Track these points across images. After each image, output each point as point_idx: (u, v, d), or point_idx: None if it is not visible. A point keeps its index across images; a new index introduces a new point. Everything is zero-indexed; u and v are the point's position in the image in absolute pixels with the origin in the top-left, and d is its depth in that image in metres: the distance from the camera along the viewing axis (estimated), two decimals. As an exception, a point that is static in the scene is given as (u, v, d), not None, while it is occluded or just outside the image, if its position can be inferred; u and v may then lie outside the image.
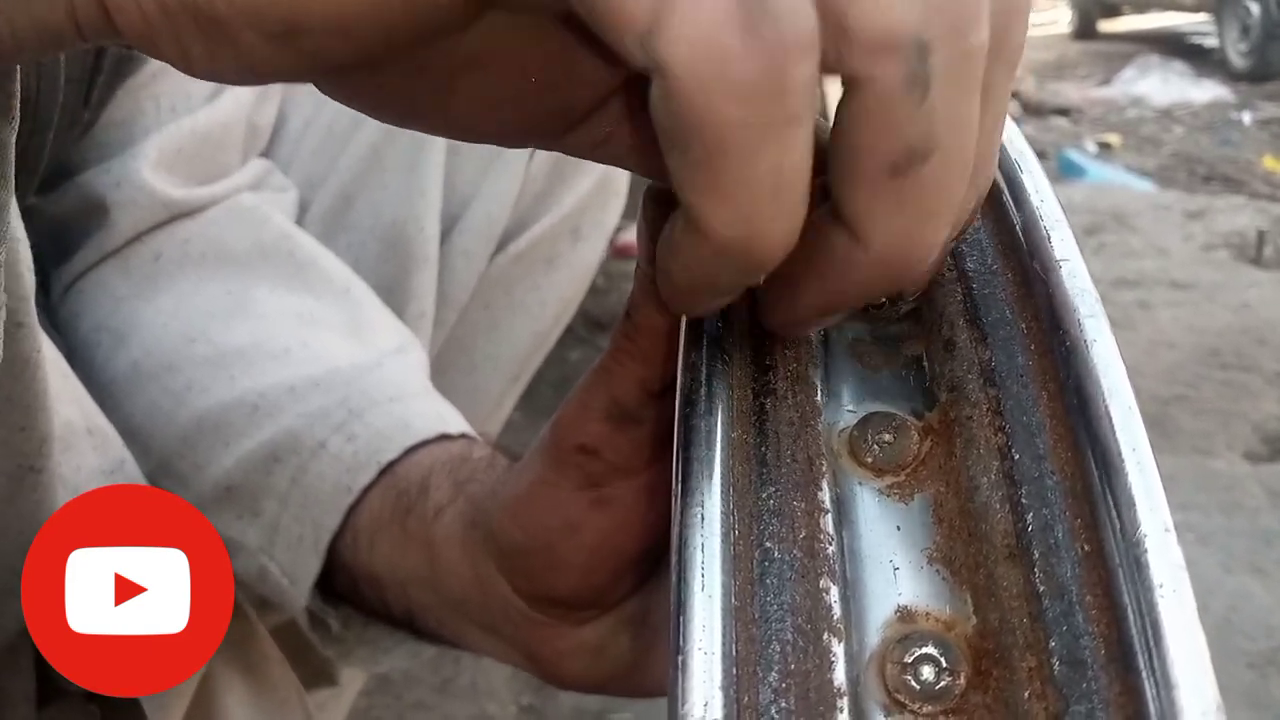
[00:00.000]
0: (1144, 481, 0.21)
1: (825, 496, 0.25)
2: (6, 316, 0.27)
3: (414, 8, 0.21)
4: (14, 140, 0.27)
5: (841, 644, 0.23)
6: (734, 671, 0.21)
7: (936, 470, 0.26)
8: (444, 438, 0.49)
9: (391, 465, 0.48)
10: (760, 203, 0.21)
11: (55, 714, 0.44)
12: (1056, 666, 0.21)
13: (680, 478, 0.25)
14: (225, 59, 0.22)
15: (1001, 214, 0.29)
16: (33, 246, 0.38)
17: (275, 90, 0.62)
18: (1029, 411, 0.25)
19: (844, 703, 0.22)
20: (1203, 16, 5.99)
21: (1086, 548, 0.22)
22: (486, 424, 0.68)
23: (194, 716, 0.49)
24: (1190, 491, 1.55)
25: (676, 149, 0.21)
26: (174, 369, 0.52)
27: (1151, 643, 0.20)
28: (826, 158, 0.22)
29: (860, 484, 0.26)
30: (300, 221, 0.61)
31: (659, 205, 0.28)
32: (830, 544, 0.24)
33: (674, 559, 0.23)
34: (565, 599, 0.40)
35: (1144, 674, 0.20)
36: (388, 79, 0.25)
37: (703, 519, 0.23)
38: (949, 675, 0.22)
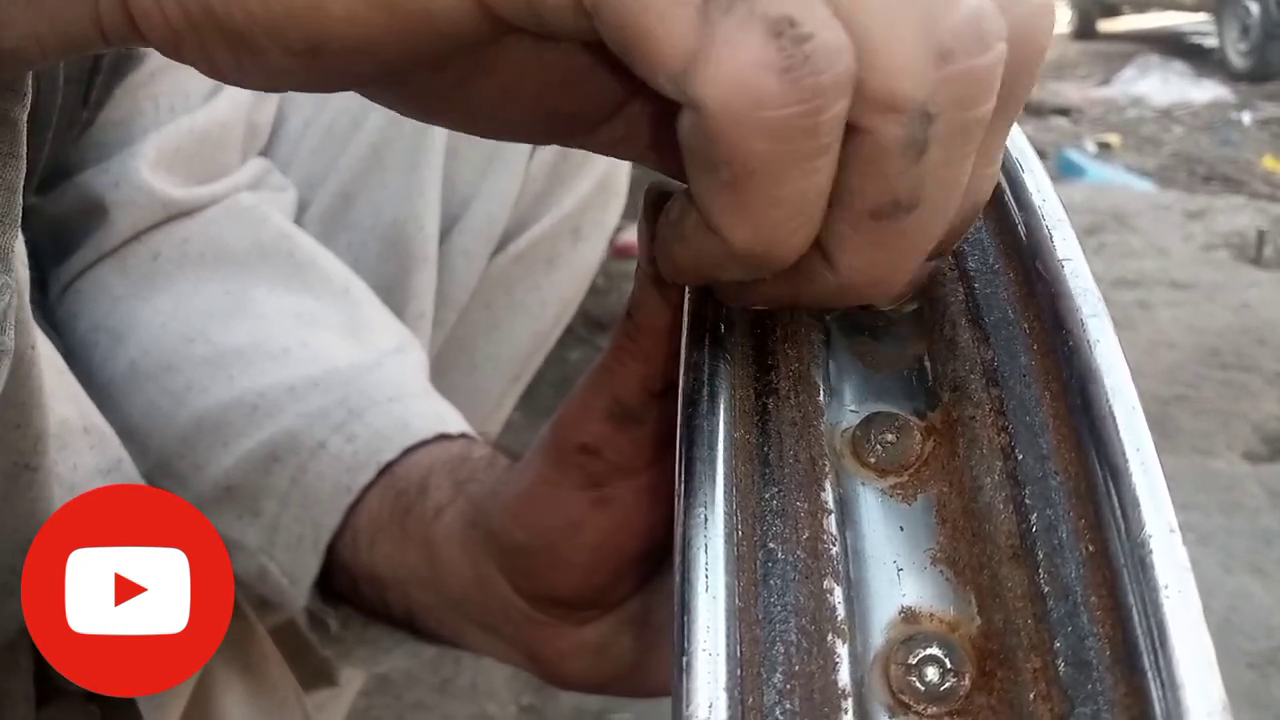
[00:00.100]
0: (1148, 482, 0.21)
1: (828, 497, 0.25)
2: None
3: (433, 28, 0.21)
4: (25, 118, 0.26)
5: (846, 645, 0.23)
6: (738, 673, 0.21)
7: (939, 470, 0.26)
8: (443, 438, 0.49)
9: (391, 465, 0.47)
10: (781, 221, 0.21)
11: (55, 714, 0.44)
12: (1061, 667, 0.21)
13: (683, 478, 0.25)
14: (251, 68, 0.23)
15: (1004, 213, 0.29)
16: (31, 245, 0.38)
17: (274, 89, 0.62)
18: (1032, 411, 0.25)
19: (848, 704, 0.22)
20: (1203, 16, 5.99)
21: (1091, 548, 0.22)
22: (487, 424, 0.68)
23: (192, 716, 0.49)
24: (1190, 491, 1.55)
25: (703, 169, 0.21)
26: (173, 369, 0.52)
27: (1157, 643, 0.19)
28: None
29: (863, 484, 0.26)
30: (299, 221, 0.61)
31: (660, 206, 0.28)
32: (834, 545, 0.24)
33: (677, 560, 0.23)
34: (566, 599, 0.40)
35: (1149, 674, 0.20)
36: (410, 79, 0.25)
37: (706, 520, 0.23)
38: (953, 676, 0.22)
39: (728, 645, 0.21)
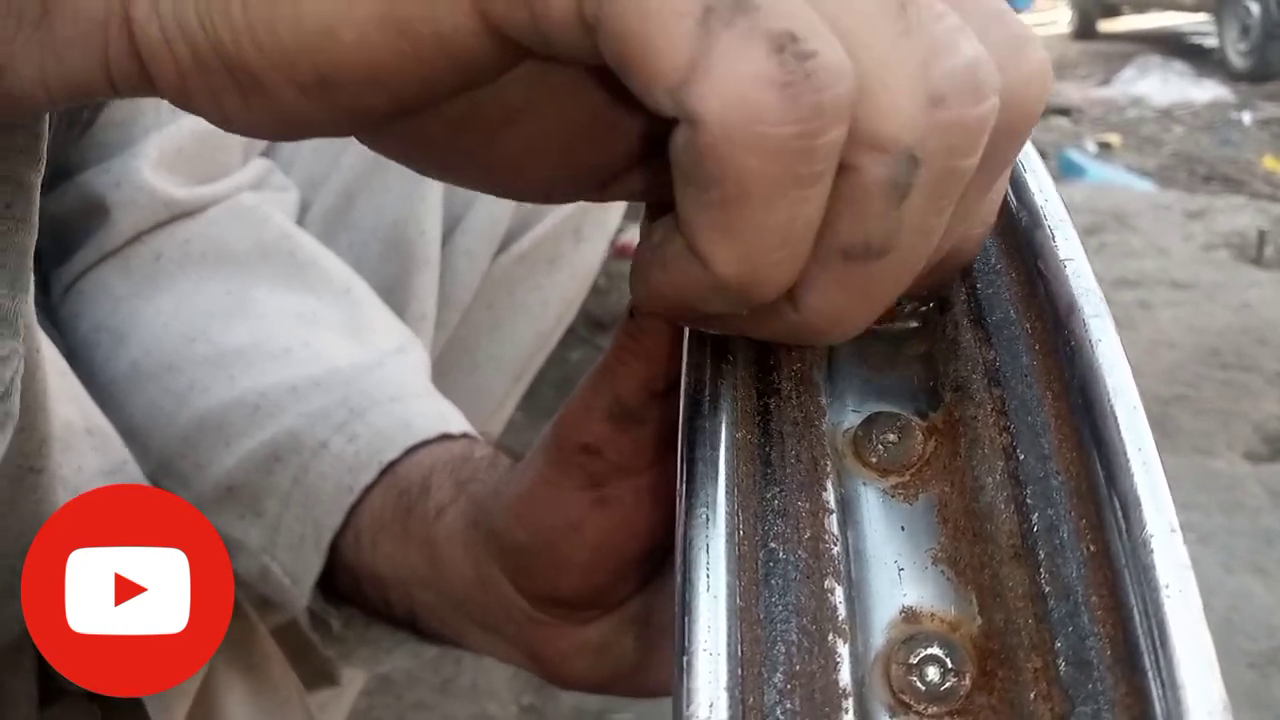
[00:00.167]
0: (1149, 481, 0.21)
1: (830, 497, 0.25)
2: (0, 316, 0.27)
3: (444, 51, 0.21)
4: (39, 182, 0.26)
5: (846, 645, 0.23)
6: (739, 672, 0.21)
7: (941, 470, 0.26)
8: (445, 437, 0.49)
9: (393, 465, 0.47)
10: (768, 250, 0.21)
11: (57, 714, 0.44)
12: (1062, 667, 0.21)
13: (685, 478, 0.25)
14: (260, 110, 0.22)
15: (1005, 213, 0.29)
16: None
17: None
18: (1034, 411, 0.25)
19: (849, 704, 0.22)
20: (1203, 16, 5.99)
21: (1092, 548, 0.22)
22: (489, 424, 0.68)
23: (195, 716, 0.49)
24: (1191, 491, 1.55)
25: (692, 187, 0.20)
26: (174, 369, 0.52)
27: (1157, 643, 0.19)
28: None
29: (865, 484, 0.26)
30: (301, 221, 0.61)
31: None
32: (835, 544, 0.24)
33: (679, 560, 0.23)
34: (568, 598, 0.40)
35: (1150, 674, 0.20)
36: (429, 131, 0.24)
37: (708, 520, 0.23)
38: (954, 676, 0.22)
39: (729, 645, 0.21)
